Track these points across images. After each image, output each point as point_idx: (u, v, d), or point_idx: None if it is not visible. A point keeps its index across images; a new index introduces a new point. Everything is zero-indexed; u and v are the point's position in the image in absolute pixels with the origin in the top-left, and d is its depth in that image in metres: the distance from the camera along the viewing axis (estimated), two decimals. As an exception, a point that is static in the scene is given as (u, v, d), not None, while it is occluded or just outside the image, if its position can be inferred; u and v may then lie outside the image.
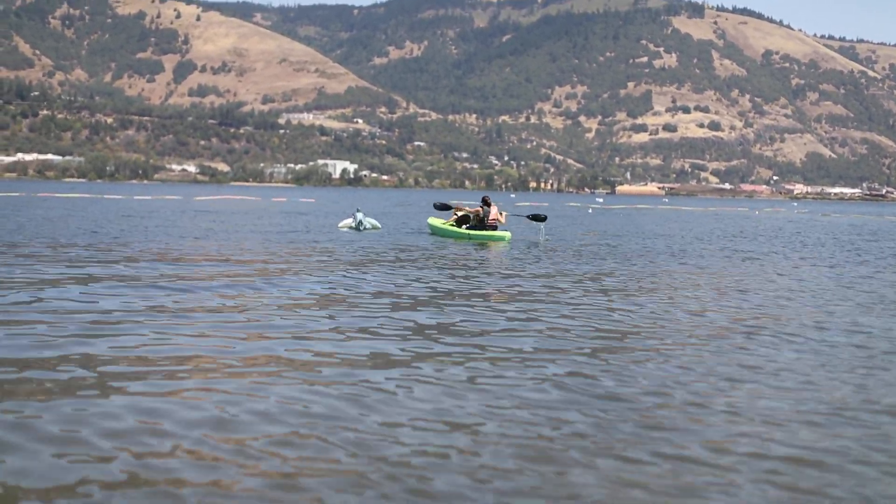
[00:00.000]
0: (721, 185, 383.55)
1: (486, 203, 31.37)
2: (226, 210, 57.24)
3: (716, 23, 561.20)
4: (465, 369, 9.11)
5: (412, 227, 39.80)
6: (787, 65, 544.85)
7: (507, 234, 30.89)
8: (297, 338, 10.61)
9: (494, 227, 30.97)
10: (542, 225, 34.06)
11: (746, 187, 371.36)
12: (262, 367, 8.98)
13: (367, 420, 7.16)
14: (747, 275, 20.60)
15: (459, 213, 32.55)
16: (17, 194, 79.84)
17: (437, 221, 34.97)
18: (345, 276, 17.52)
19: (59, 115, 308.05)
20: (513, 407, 7.67)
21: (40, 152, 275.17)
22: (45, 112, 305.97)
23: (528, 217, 34.68)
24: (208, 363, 9.09)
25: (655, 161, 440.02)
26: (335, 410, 7.41)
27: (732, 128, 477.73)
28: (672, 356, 10.14)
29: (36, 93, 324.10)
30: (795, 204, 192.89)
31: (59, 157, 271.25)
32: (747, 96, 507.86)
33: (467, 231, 30.94)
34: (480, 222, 31.01)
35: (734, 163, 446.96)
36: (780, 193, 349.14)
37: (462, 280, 17.47)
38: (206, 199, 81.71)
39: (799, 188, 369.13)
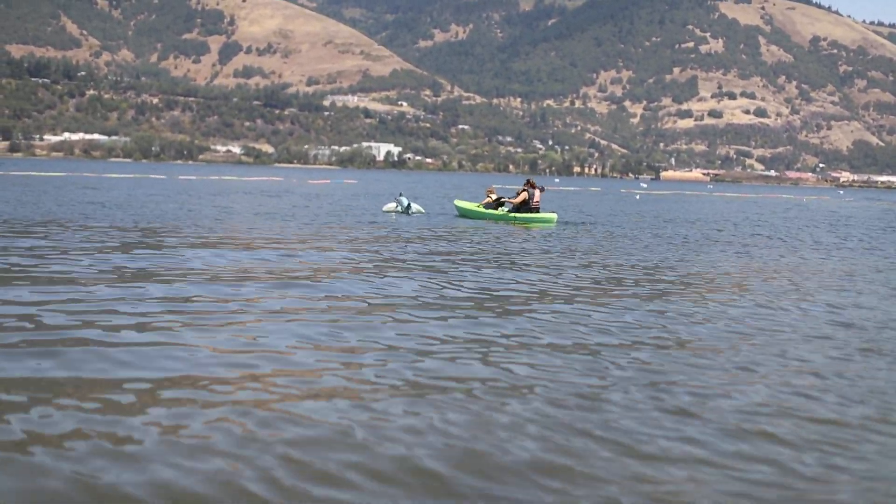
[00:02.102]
0: (766, 172, 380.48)
1: (531, 185, 31.33)
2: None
3: (763, 8, 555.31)
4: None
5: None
6: (835, 51, 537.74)
7: (554, 216, 30.96)
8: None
9: (537, 210, 31.01)
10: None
11: (792, 174, 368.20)
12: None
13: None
14: None
15: (493, 197, 32.54)
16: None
17: (465, 204, 34.61)
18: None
19: (106, 95, 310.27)
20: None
21: (86, 132, 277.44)
22: (91, 92, 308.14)
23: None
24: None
25: (700, 147, 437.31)
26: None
27: (778, 114, 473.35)
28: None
29: (83, 73, 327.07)
30: (841, 192, 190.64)
31: (105, 137, 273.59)
32: (794, 83, 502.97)
33: (513, 214, 30.85)
34: (524, 204, 30.90)
35: (780, 150, 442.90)
36: (826, 181, 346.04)
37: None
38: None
39: (845, 176, 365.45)
